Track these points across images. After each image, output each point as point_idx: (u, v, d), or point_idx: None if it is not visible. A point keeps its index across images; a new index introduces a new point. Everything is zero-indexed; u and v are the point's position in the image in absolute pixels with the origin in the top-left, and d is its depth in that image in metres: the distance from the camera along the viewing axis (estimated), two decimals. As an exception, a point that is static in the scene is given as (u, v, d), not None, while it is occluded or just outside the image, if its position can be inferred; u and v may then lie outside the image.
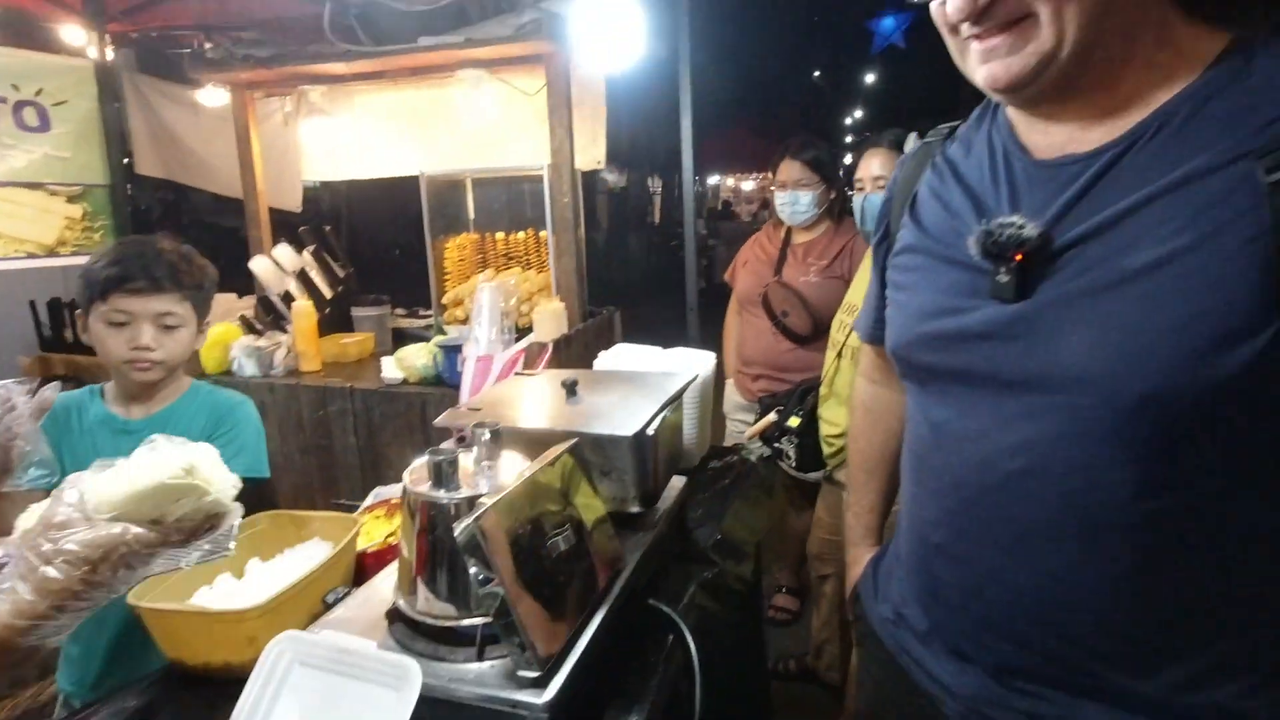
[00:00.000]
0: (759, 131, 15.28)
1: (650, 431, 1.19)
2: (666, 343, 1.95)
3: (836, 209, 2.48)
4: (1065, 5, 0.61)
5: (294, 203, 3.67)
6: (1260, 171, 0.58)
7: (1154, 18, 0.65)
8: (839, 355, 1.95)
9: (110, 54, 3.72)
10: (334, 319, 3.03)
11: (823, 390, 2.04)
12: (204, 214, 9.70)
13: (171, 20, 4.07)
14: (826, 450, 2.05)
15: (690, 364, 1.78)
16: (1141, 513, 0.64)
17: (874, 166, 1.91)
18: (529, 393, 1.36)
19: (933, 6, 0.70)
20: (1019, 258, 0.68)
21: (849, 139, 18.59)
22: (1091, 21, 0.62)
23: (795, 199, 2.39)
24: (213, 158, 3.85)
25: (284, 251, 2.87)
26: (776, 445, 2.25)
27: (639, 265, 13.26)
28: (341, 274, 3.09)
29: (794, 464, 2.18)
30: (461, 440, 1.13)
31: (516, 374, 1.56)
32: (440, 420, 1.29)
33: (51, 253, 3.45)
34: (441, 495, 0.86)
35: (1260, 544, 0.65)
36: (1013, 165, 0.74)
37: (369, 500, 1.48)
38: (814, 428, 2.10)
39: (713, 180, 17.77)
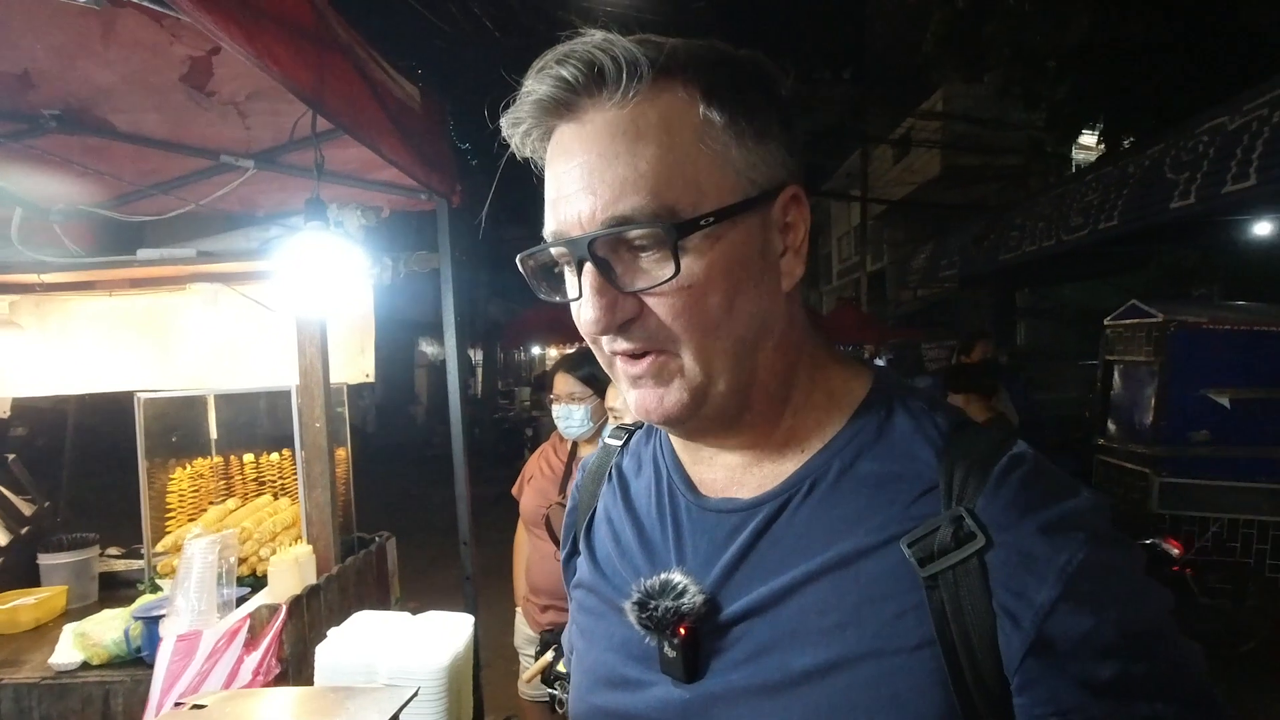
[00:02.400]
0: (580, 303, 15.95)
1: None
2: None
3: (620, 421, 2.41)
4: (708, 342, 0.56)
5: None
6: (914, 563, 0.53)
7: (807, 358, 0.64)
8: None
9: None
10: (12, 570, 2.37)
11: None
12: None
13: None
14: None
15: (442, 638, 1.49)
16: None
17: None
18: (172, 753, 1.00)
19: (574, 314, 0.60)
20: (684, 631, 0.59)
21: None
22: (739, 361, 0.58)
23: (569, 413, 2.29)
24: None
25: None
26: (553, 691, 1.98)
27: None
28: (28, 511, 2.47)
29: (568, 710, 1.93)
30: None
31: (178, 705, 1.18)
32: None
33: None
34: None
35: None
36: (678, 502, 0.68)
37: None
38: None
39: (536, 350, 18.08)
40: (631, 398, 0.60)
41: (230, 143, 2.19)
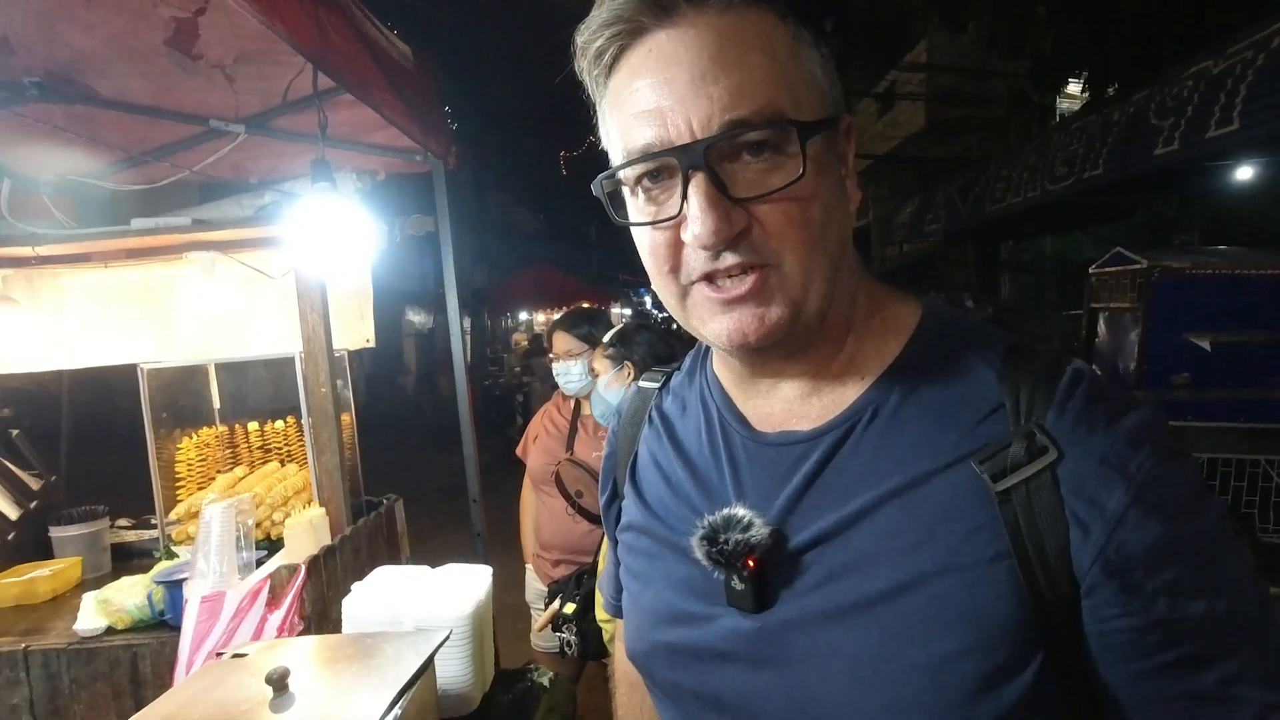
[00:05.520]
0: (567, 267, 15.91)
1: (378, 746, 0.93)
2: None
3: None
4: (809, 256, 0.56)
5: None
6: (987, 479, 0.54)
7: (865, 285, 0.66)
8: None
9: None
10: (23, 545, 2.39)
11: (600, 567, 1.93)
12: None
13: None
14: (606, 635, 1.93)
15: (463, 587, 1.54)
16: None
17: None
18: (219, 698, 1.04)
19: (652, 241, 0.59)
20: (752, 563, 0.59)
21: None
22: (829, 278, 0.58)
23: (567, 369, 2.35)
24: None
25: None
26: (560, 635, 2.08)
27: (450, 407, 12.77)
28: (35, 485, 2.48)
29: (576, 653, 2.05)
30: None
31: (219, 655, 1.22)
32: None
33: None
34: None
35: None
36: (731, 439, 0.68)
37: None
38: (592, 611, 1.97)
39: (523, 316, 17.98)
40: (722, 324, 0.57)
41: (219, 108, 2.15)
